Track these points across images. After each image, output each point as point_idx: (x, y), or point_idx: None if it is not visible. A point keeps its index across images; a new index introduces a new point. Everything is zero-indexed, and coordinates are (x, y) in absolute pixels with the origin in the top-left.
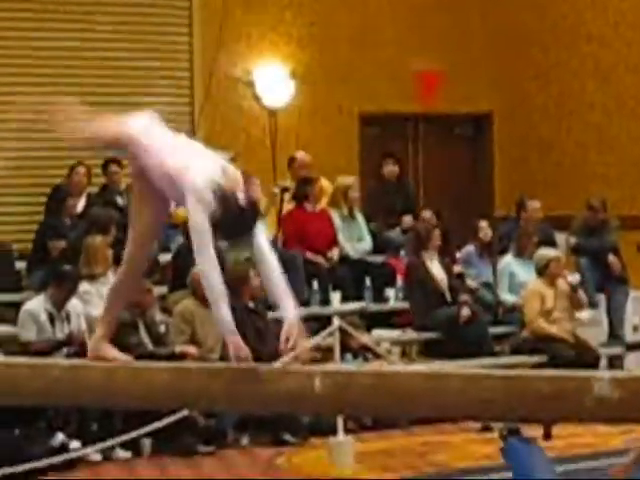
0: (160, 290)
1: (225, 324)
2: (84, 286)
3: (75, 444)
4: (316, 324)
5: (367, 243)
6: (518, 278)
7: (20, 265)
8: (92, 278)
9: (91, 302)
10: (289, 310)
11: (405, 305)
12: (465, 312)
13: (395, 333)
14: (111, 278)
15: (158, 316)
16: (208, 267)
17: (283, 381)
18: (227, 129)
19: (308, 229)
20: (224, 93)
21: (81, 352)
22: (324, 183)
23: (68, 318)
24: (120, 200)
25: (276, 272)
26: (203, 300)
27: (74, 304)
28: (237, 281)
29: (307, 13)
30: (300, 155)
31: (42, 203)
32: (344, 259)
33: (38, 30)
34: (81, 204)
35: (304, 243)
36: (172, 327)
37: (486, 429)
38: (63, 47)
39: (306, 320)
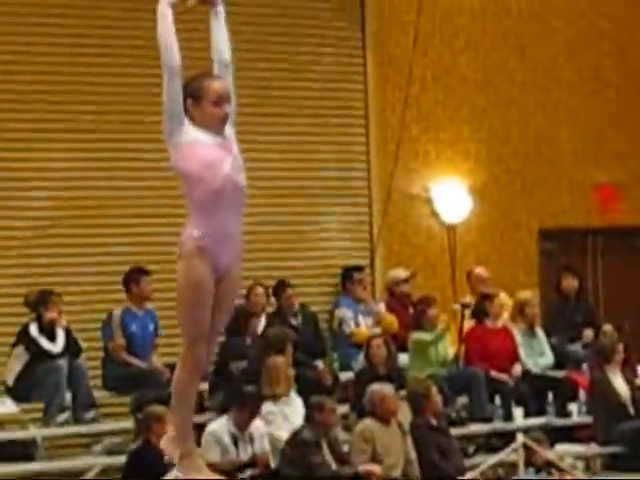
0: (342, 409)
1: None
2: (267, 406)
3: None
4: (500, 440)
5: (548, 358)
6: None
7: (202, 386)
8: (275, 398)
9: (274, 422)
10: None
11: (588, 419)
12: None
13: (579, 448)
14: (294, 397)
15: (341, 435)
16: None
17: None
18: (406, 246)
19: (490, 346)
20: (402, 210)
21: (265, 474)
22: (503, 298)
23: (251, 439)
24: (294, 321)
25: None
26: (382, 419)
27: (257, 425)
28: (419, 398)
29: (484, 129)
30: (478, 270)
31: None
32: (526, 374)
33: None
34: (261, 324)
35: (486, 360)
36: (353, 446)
37: None
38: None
39: (489, 436)
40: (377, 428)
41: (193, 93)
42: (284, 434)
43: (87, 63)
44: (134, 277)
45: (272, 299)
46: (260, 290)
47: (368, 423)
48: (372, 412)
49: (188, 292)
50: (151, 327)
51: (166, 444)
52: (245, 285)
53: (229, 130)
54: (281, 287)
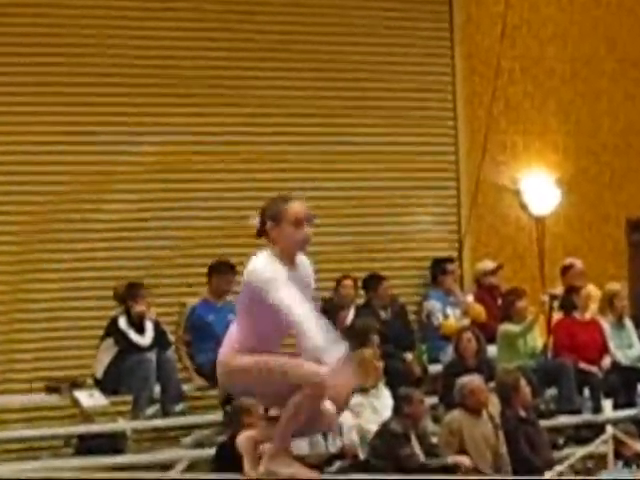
0: (431, 400)
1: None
2: (356, 398)
3: None
4: (589, 432)
5: (637, 350)
6: None
7: None
8: (363, 390)
9: (363, 414)
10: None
11: None
12: None
13: None
14: (383, 390)
15: (430, 427)
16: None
17: None
18: (493, 238)
19: (578, 338)
20: (490, 202)
21: (355, 465)
22: (592, 290)
23: (340, 431)
24: (384, 313)
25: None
26: (472, 410)
27: (346, 417)
28: (508, 390)
29: (572, 121)
30: (577, 263)
31: None
32: (615, 366)
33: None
34: (350, 317)
35: (575, 351)
36: (441, 438)
37: None
38: (323, 159)
39: (578, 428)
40: (466, 420)
41: (273, 216)
42: (373, 426)
43: None
44: (217, 269)
45: (360, 291)
46: (349, 282)
47: (456, 415)
48: (462, 404)
49: None
50: (230, 316)
51: (268, 464)
52: (334, 277)
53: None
54: (374, 280)
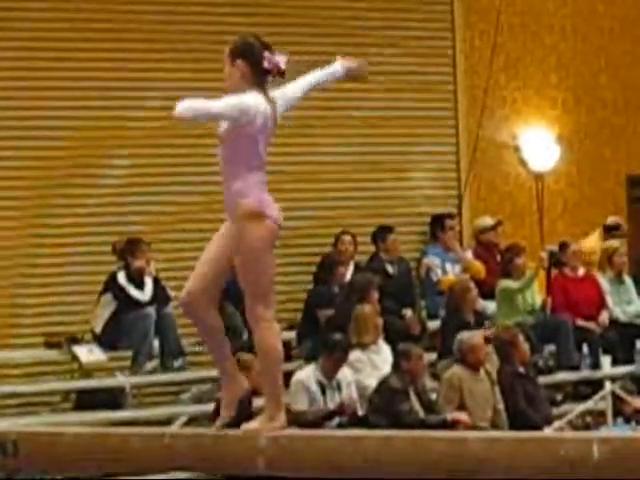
0: (430, 357)
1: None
2: (355, 354)
3: None
4: (587, 389)
5: (637, 306)
6: None
7: (289, 335)
8: (363, 346)
9: (363, 370)
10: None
11: None
12: None
13: None
14: (382, 345)
15: (428, 383)
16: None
17: (562, 446)
18: (493, 194)
19: (573, 294)
20: (490, 158)
21: (353, 421)
22: (590, 244)
23: (339, 387)
24: (390, 268)
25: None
26: (471, 366)
27: (345, 373)
28: (506, 345)
29: (572, 76)
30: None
31: (308, 272)
32: (613, 323)
33: None
34: (349, 272)
35: (570, 308)
36: (440, 394)
37: None
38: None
39: (577, 385)
40: (466, 376)
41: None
42: (372, 382)
43: None
44: None
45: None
46: (348, 238)
47: (456, 370)
48: (461, 360)
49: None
50: None
51: (266, 428)
52: (333, 233)
53: None
54: (383, 232)
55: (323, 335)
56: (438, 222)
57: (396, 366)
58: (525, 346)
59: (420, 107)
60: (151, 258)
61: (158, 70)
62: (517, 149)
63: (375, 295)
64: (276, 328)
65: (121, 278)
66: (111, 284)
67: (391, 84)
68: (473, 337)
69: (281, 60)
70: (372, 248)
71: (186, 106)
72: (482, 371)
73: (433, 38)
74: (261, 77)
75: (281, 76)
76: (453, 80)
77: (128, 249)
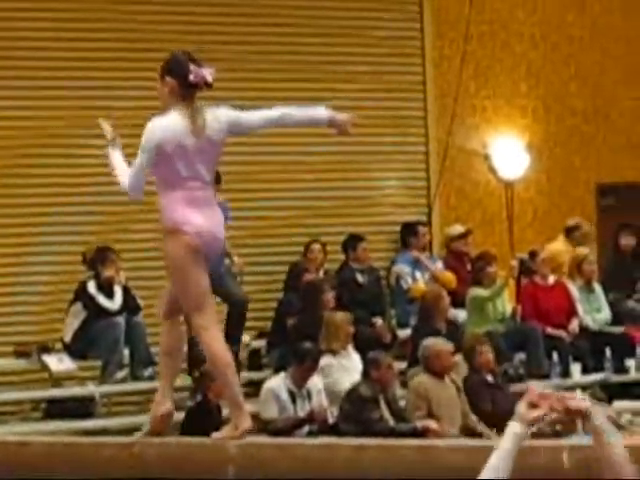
0: (400, 365)
1: None
2: (326, 359)
3: None
4: None
5: (606, 314)
6: None
7: (259, 343)
8: (333, 352)
9: (333, 375)
10: (320, 110)
11: None
12: None
13: (637, 404)
14: (352, 353)
15: (399, 392)
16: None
17: (533, 455)
18: (463, 202)
19: (543, 302)
20: (460, 166)
21: (324, 429)
22: (556, 247)
23: (309, 395)
24: (361, 277)
25: (289, 108)
26: (436, 374)
27: (315, 381)
28: (472, 353)
29: (542, 85)
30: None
31: (279, 281)
32: (583, 330)
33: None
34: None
35: (541, 316)
36: (408, 403)
37: None
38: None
39: None
40: (431, 383)
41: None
42: (342, 387)
43: None
44: None
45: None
46: (317, 246)
47: (422, 378)
48: (426, 367)
49: None
50: None
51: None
52: (303, 242)
53: None
54: (352, 240)
55: (292, 343)
56: (408, 230)
57: (366, 374)
58: (489, 355)
59: (390, 115)
60: (121, 267)
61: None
62: (487, 157)
63: (328, 298)
64: (216, 333)
65: (91, 287)
66: (81, 293)
67: (361, 91)
68: (437, 344)
69: (207, 72)
70: (342, 256)
71: (127, 185)
72: (447, 378)
73: (403, 46)
74: (188, 91)
75: (208, 88)
76: (423, 88)
77: (98, 258)
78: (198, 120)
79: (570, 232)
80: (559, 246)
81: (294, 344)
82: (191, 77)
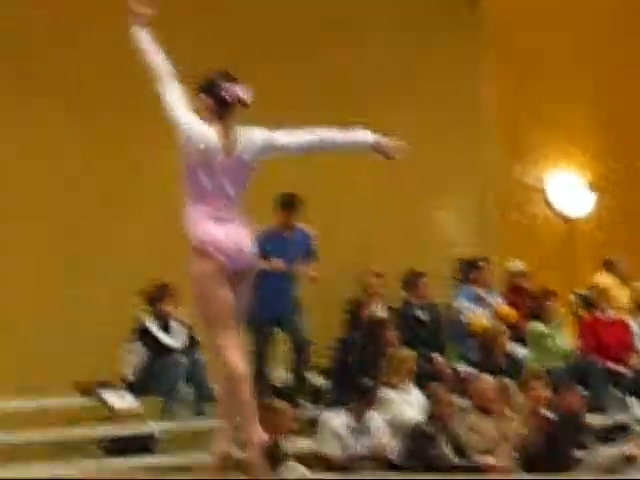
0: (460, 401)
1: None
2: (385, 394)
3: None
4: (618, 432)
5: None
6: None
7: (319, 380)
8: (394, 387)
9: (394, 410)
10: (365, 134)
11: None
12: None
13: None
14: (413, 389)
15: (459, 427)
16: None
17: None
18: (522, 238)
19: (604, 337)
20: (520, 202)
21: (384, 465)
22: (607, 285)
23: (369, 431)
24: (421, 314)
25: (330, 132)
26: (484, 410)
27: (375, 416)
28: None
29: (602, 122)
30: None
31: (338, 317)
32: None
33: None
34: (379, 312)
35: (602, 351)
36: (465, 438)
37: None
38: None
39: (607, 428)
40: (481, 419)
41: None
42: (402, 422)
43: None
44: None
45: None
46: (374, 279)
47: (473, 415)
48: (474, 403)
49: None
50: None
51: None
52: (361, 275)
53: None
54: (414, 277)
55: (353, 380)
56: (469, 265)
57: (426, 410)
58: (541, 390)
59: (450, 150)
60: (180, 304)
61: None
62: (546, 193)
63: (392, 335)
64: (235, 351)
65: (150, 324)
66: (140, 330)
67: (421, 128)
68: (482, 380)
69: (240, 90)
70: (402, 291)
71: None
72: (500, 413)
73: (461, 79)
74: (224, 109)
75: (244, 106)
76: (482, 123)
77: (157, 294)
78: (230, 138)
79: (609, 266)
80: (606, 279)
81: (355, 380)
82: (225, 95)
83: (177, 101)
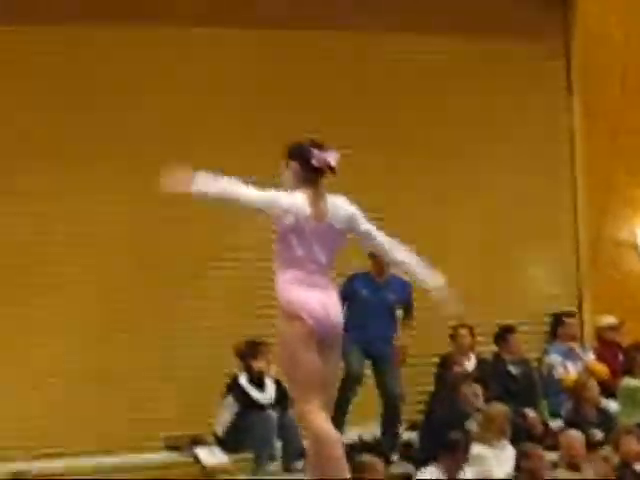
0: (552, 457)
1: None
2: (478, 449)
3: None
4: None
5: None
6: None
7: (411, 435)
8: (486, 442)
9: (486, 466)
10: (435, 279)
11: None
12: None
13: None
14: (506, 444)
15: None
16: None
17: None
18: (613, 292)
19: None
20: (610, 256)
21: None
22: None
23: None
24: (513, 369)
25: (405, 253)
26: (570, 465)
27: (467, 472)
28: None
29: None
30: None
31: (430, 372)
32: None
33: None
34: (470, 366)
35: None
36: None
37: None
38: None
39: None
40: (568, 475)
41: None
42: (497, 477)
43: None
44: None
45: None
46: (464, 331)
47: (560, 471)
48: (562, 458)
49: None
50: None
51: None
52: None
53: None
54: (505, 332)
55: (439, 434)
56: (558, 320)
57: (518, 466)
58: (632, 445)
59: (541, 203)
60: (272, 360)
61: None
62: (637, 247)
63: (467, 390)
64: (320, 415)
65: (242, 380)
66: (233, 386)
67: (512, 180)
68: (571, 434)
69: (330, 157)
70: (493, 346)
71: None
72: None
73: (553, 136)
74: (312, 175)
75: (332, 172)
76: (573, 177)
77: (249, 351)
78: (320, 205)
79: None
80: None
81: (443, 435)
82: (314, 161)
83: (256, 190)
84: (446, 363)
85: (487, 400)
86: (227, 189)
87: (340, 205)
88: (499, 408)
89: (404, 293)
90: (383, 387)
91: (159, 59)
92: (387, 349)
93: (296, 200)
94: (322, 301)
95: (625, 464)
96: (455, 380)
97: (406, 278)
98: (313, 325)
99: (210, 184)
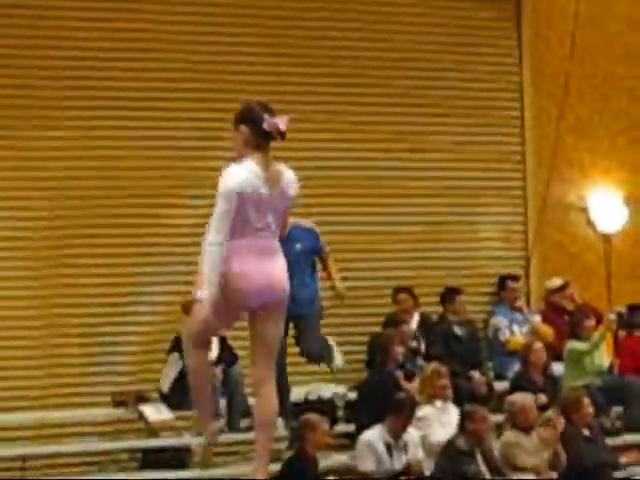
0: (497, 418)
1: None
2: (423, 411)
3: None
4: None
5: None
6: None
7: (353, 395)
8: (430, 404)
9: (430, 427)
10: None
11: None
12: None
13: None
14: (450, 405)
15: (495, 444)
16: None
17: None
18: (560, 255)
19: None
20: (557, 220)
21: None
22: None
23: (406, 448)
24: (458, 330)
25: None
26: (523, 429)
27: (411, 433)
28: (569, 408)
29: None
30: None
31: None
32: None
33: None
34: (414, 324)
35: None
36: (500, 457)
37: None
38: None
39: None
40: (520, 439)
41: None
42: (439, 439)
43: None
44: None
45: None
46: (403, 295)
47: (509, 434)
48: (512, 422)
49: None
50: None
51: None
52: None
53: None
54: (451, 294)
55: (389, 394)
56: (503, 283)
57: (462, 427)
58: (589, 409)
59: (488, 167)
60: None
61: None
62: (585, 210)
63: (396, 351)
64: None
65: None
66: (177, 343)
67: (458, 145)
68: (521, 399)
69: (280, 121)
70: (439, 308)
71: (219, 239)
72: (534, 433)
73: (501, 99)
74: (262, 139)
75: (282, 137)
76: (521, 141)
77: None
78: (272, 170)
79: None
80: None
81: (389, 395)
82: (265, 125)
83: (212, 228)
84: (389, 323)
85: (428, 359)
86: (209, 267)
87: (286, 169)
88: (432, 368)
89: (312, 240)
90: (300, 346)
91: None
92: (305, 307)
93: (249, 170)
94: (268, 267)
95: (575, 427)
96: (386, 340)
97: (309, 225)
98: (245, 300)
99: (204, 281)
